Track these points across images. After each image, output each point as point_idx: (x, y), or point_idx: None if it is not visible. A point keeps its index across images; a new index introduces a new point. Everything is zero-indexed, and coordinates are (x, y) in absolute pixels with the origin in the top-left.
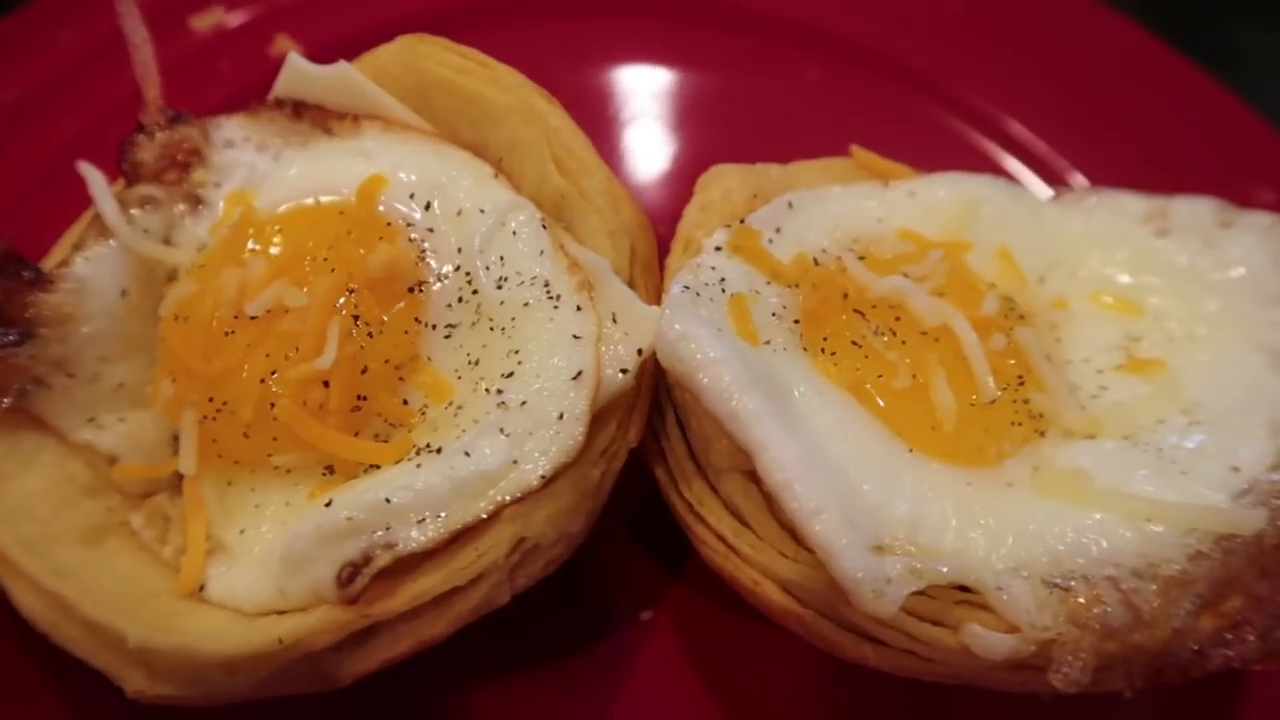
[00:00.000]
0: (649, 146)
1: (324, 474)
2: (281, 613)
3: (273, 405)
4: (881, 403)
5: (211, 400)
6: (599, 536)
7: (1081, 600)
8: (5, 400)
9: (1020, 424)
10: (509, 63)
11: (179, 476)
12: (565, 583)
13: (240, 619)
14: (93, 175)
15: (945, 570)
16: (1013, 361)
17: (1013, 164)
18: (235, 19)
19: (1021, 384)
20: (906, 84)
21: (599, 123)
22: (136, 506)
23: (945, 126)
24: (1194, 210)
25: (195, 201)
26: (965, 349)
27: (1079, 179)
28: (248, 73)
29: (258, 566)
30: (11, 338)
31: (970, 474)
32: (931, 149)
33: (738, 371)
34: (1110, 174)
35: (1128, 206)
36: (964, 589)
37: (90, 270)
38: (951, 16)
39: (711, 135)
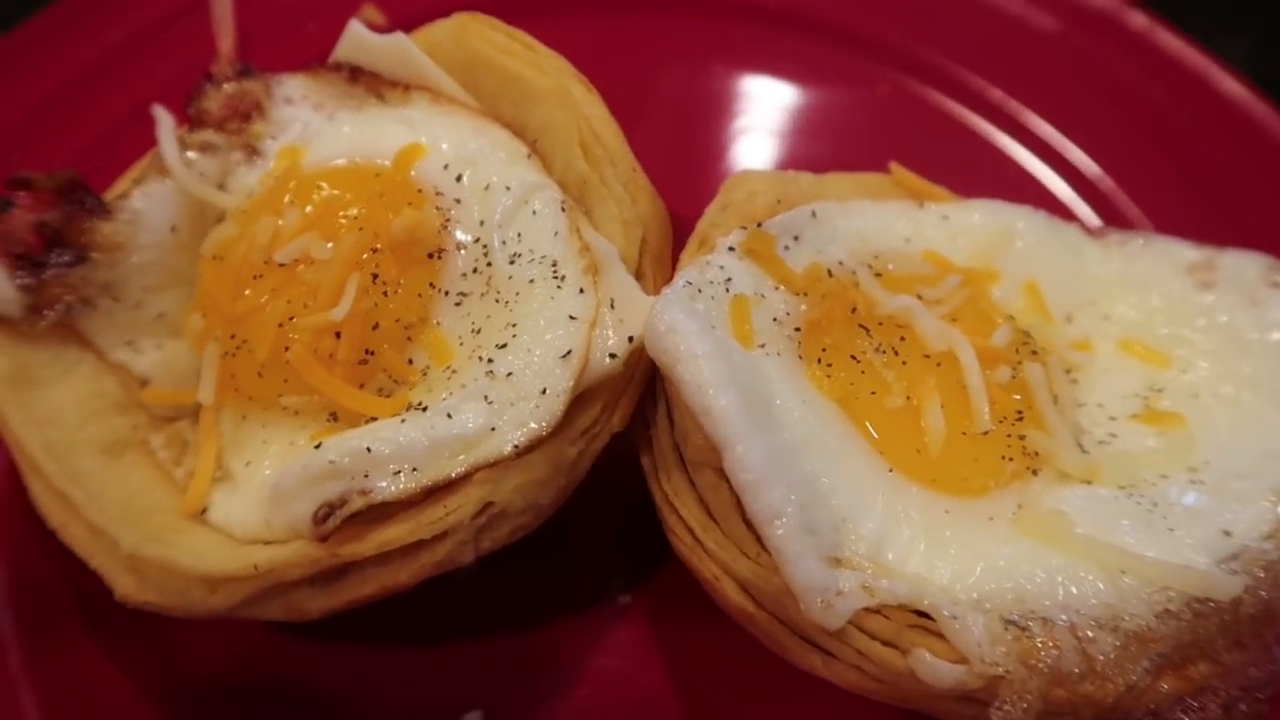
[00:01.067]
0: (696, 145)
1: (329, 420)
2: (266, 543)
3: (287, 349)
4: (870, 421)
5: (233, 337)
6: (590, 518)
7: (1036, 642)
8: (54, 313)
9: (1012, 459)
10: (572, 51)
11: (200, 406)
12: (552, 558)
13: (229, 544)
14: (163, 118)
15: (900, 592)
16: (1017, 396)
17: (1067, 193)
18: None
19: (1020, 419)
20: (971, 104)
21: (649, 115)
22: (159, 428)
23: (1003, 150)
24: (1242, 266)
25: (251, 151)
26: (966, 377)
27: (1135, 213)
28: (333, 37)
29: (253, 498)
30: (66, 258)
31: (950, 502)
32: (985, 173)
33: (718, 369)
34: (1169, 213)
35: (1174, 254)
36: (922, 615)
37: (146, 205)
38: (1027, 43)
39: (763, 139)
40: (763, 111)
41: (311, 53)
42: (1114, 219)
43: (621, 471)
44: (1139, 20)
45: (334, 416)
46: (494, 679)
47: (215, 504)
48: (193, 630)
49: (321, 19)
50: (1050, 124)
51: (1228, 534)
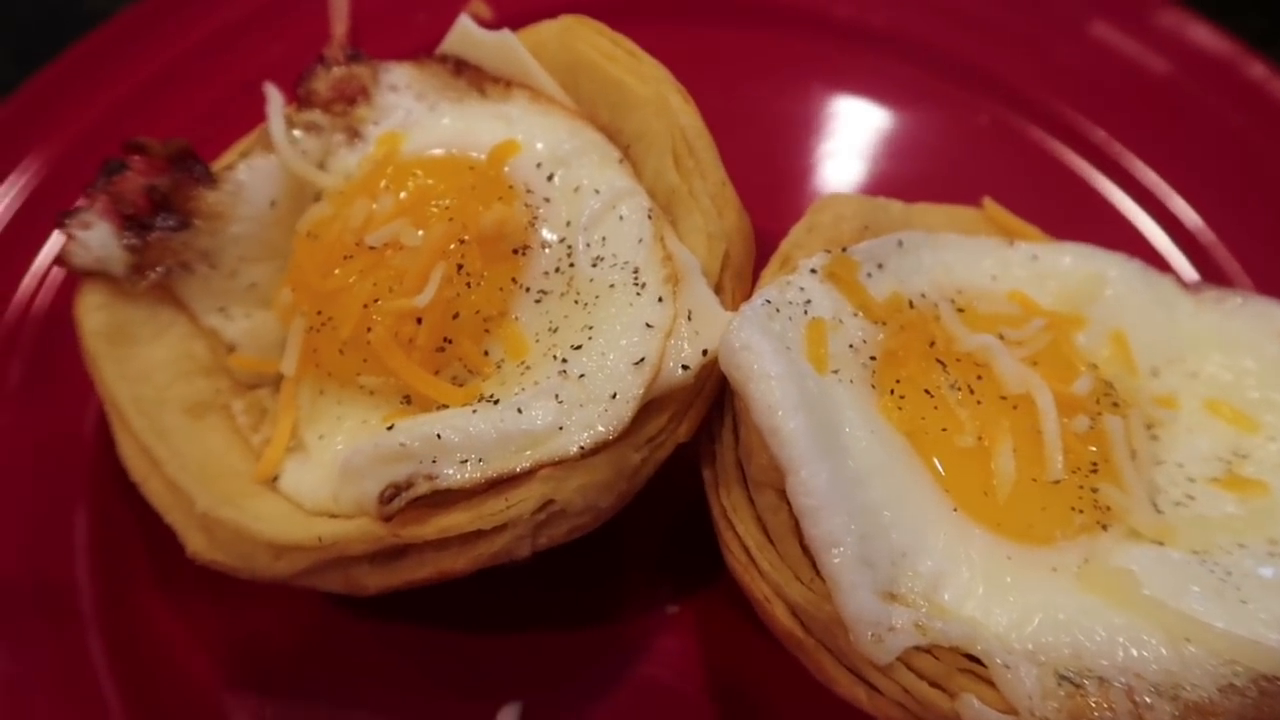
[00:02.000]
0: (786, 162)
1: (402, 403)
2: (333, 516)
3: (369, 330)
4: (938, 458)
5: (320, 313)
6: (645, 525)
7: (1090, 701)
8: (155, 274)
9: (1082, 511)
10: (672, 59)
11: (282, 376)
12: (604, 561)
13: (297, 513)
14: (273, 95)
15: (954, 634)
16: (1093, 448)
17: (1165, 243)
18: None
19: (1095, 472)
20: (1071, 143)
21: (741, 128)
22: (241, 394)
23: (1102, 194)
24: None
25: (353, 134)
26: (1042, 422)
27: (1235, 268)
28: (441, 29)
29: (324, 471)
30: (171, 223)
31: (1013, 548)
32: (1081, 215)
33: (789, 391)
34: (1271, 272)
35: (1273, 316)
36: (973, 659)
37: (249, 178)
38: (1138, 85)
39: (853, 162)
40: (856, 133)
41: (419, 43)
42: (1212, 274)
43: (680, 482)
44: (1258, 70)
45: (407, 400)
46: (536, 674)
47: (287, 473)
48: (254, 595)
49: (432, 10)
50: (1153, 170)
51: None
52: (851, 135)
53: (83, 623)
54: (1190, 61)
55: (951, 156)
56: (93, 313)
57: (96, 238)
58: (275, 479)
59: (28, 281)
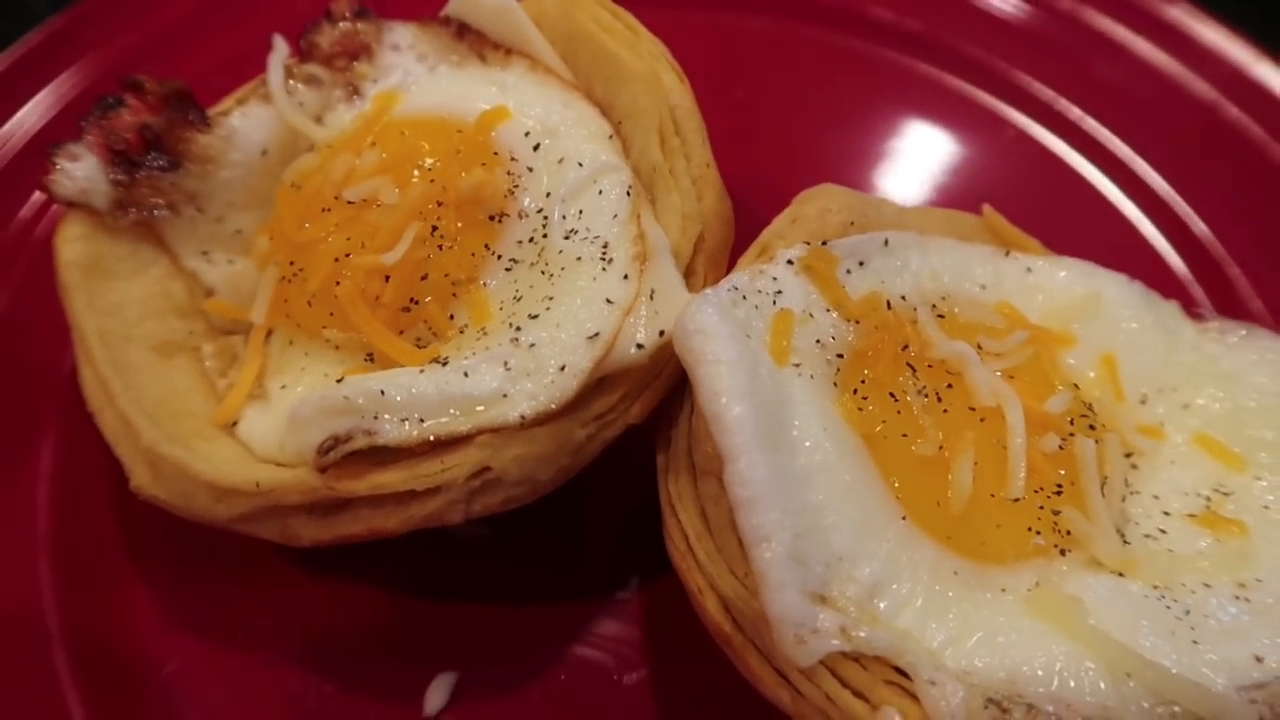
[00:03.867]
0: (786, 154)
1: (365, 360)
2: (279, 465)
3: (338, 283)
4: (894, 464)
5: (292, 264)
6: (605, 511)
7: None
8: (139, 212)
9: (1039, 534)
10: (680, 41)
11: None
12: (561, 544)
13: (244, 459)
14: (279, 46)
15: (879, 643)
16: (1061, 470)
17: (1182, 270)
18: None
19: (1059, 494)
20: (1092, 157)
21: (743, 116)
22: (213, 338)
23: (1119, 210)
24: None
25: (352, 91)
26: (1008, 437)
27: (1258, 306)
28: None
29: (278, 421)
30: (161, 163)
31: (961, 564)
32: (1098, 233)
33: (738, 378)
34: None
35: (1276, 351)
36: (902, 673)
37: (243, 124)
38: (1177, 107)
39: (859, 161)
40: (865, 133)
41: (424, 8)
42: (1232, 306)
43: (642, 468)
44: None
45: (370, 358)
46: (478, 648)
47: (246, 419)
48: (207, 537)
49: None
50: (1180, 194)
51: (1259, 660)
52: (859, 133)
53: (36, 546)
54: (1232, 88)
55: (963, 164)
56: (71, 243)
57: (82, 169)
58: (234, 424)
59: (25, 213)
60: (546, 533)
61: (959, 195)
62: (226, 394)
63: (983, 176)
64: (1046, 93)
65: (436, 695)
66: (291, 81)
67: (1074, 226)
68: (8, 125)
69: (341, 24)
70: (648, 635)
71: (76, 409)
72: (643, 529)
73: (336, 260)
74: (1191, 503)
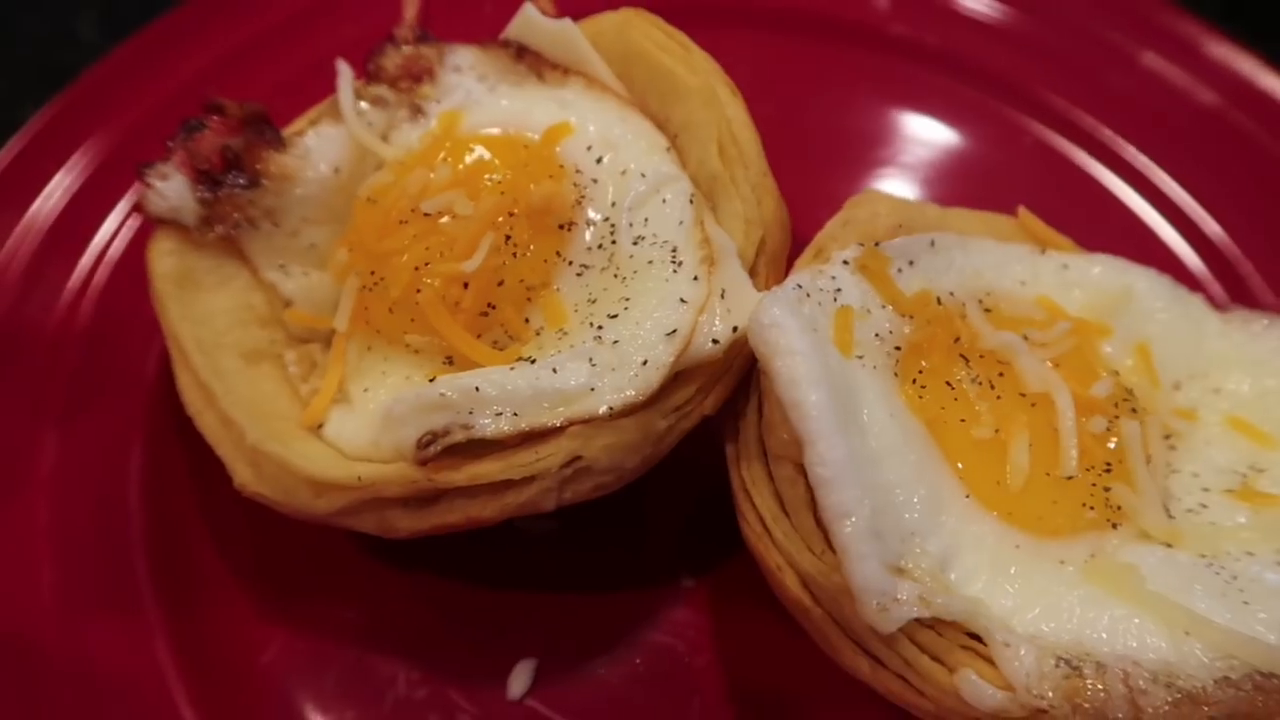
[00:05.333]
0: (827, 163)
1: (444, 363)
2: (371, 462)
3: (418, 291)
4: (955, 447)
5: (373, 274)
6: (667, 499)
7: (1086, 682)
8: (223, 228)
9: (1093, 509)
10: (727, 59)
11: (333, 332)
12: (625, 532)
13: (338, 457)
14: (344, 70)
15: (955, 609)
16: (1110, 446)
17: (1199, 267)
18: None
19: (1108, 471)
20: (1113, 167)
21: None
22: (293, 346)
23: (1138, 214)
24: None
25: (416, 111)
26: (1059, 420)
27: (1271, 300)
28: (503, 19)
29: (366, 420)
30: (242, 181)
31: (1022, 538)
32: (1117, 233)
33: (813, 366)
34: None
35: None
36: (974, 638)
37: (317, 144)
38: (1184, 114)
39: (894, 169)
40: (899, 142)
41: (484, 31)
42: (1246, 300)
43: (704, 461)
44: None
45: (449, 360)
46: (553, 635)
47: (331, 421)
48: (293, 534)
49: (499, 1)
50: (1194, 197)
51: None
52: (894, 144)
53: (131, 547)
54: (1238, 94)
55: (991, 171)
56: (164, 257)
57: (172, 188)
58: (320, 426)
59: (104, 231)
60: (611, 526)
61: (983, 200)
62: (311, 398)
63: (1005, 182)
64: (1061, 102)
65: (519, 680)
66: (360, 103)
67: (1092, 227)
68: (91, 143)
69: (405, 48)
70: (714, 619)
71: (162, 415)
72: (702, 519)
73: (416, 269)
74: (1228, 479)
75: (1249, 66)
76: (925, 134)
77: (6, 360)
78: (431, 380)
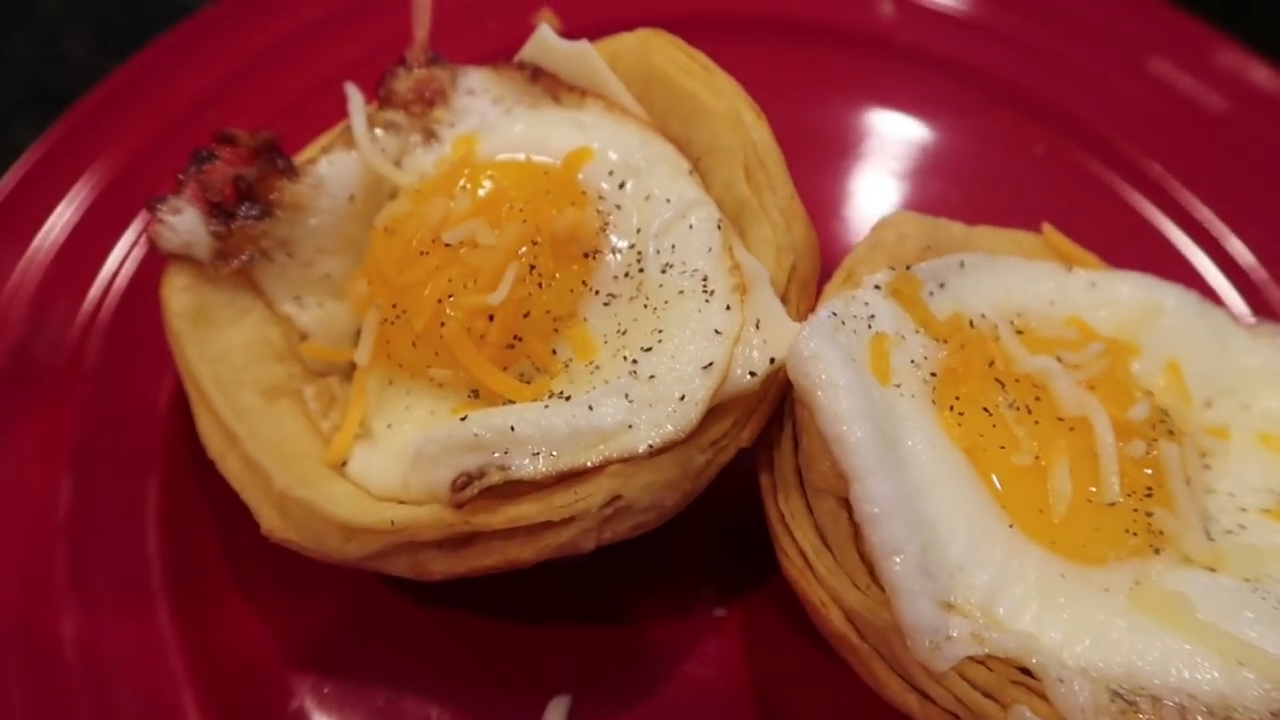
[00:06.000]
0: (844, 179)
1: (470, 396)
2: (401, 502)
3: (442, 324)
4: (996, 475)
5: (394, 307)
6: (695, 530)
7: (1142, 717)
8: (238, 261)
9: (1135, 534)
10: (742, 75)
11: (352, 365)
12: (655, 562)
13: (365, 498)
14: (354, 94)
15: (1009, 646)
16: (1148, 472)
17: (1218, 279)
18: None
19: (1149, 496)
20: (1127, 177)
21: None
22: (311, 380)
23: (1156, 228)
24: None
25: (429, 135)
26: (1098, 445)
27: None
28: (508, 36)
29: (393, 458)
30: (254, 212)
31: (1067, 566)
32: (1135, 248)
33: (856, 400)
34: None
35: None
36: (1024, 671)
37: (330, 172)
38: (1194, 121)
39: (913, 183)
40: (913, 155)
41: (490, 49)
42: (1265, 312)
43: (730, 488)
44: None
45: (475, 394)
46: (584, 668)
47: (355, 458)
48: (317, 574)
49: (503, 17)
50: (1208, 206)
51: None
52: (908, 157)
53: (152, 592)
54: (1246, 100)
55: (1006, 182)
56: (178, 294)
57: (185, 222)
58: (343, 464)
59: (110, 261)
60: (640, 556)
61: (1004, 214)
62: (332, 435)
63: (1023, 195)
64: (1075, 112)
65: (554, 717)
66: (374, 129)
67: (1114, 241)
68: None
69: (417, 71)
70: (747, 648)
71: (178, 453)
72: (730, 547)
73: (440, 301)
74: (1264, 498)
75: (1260, 74)
76: (937, 146)
77: (16, 397)
78: (463, 419)
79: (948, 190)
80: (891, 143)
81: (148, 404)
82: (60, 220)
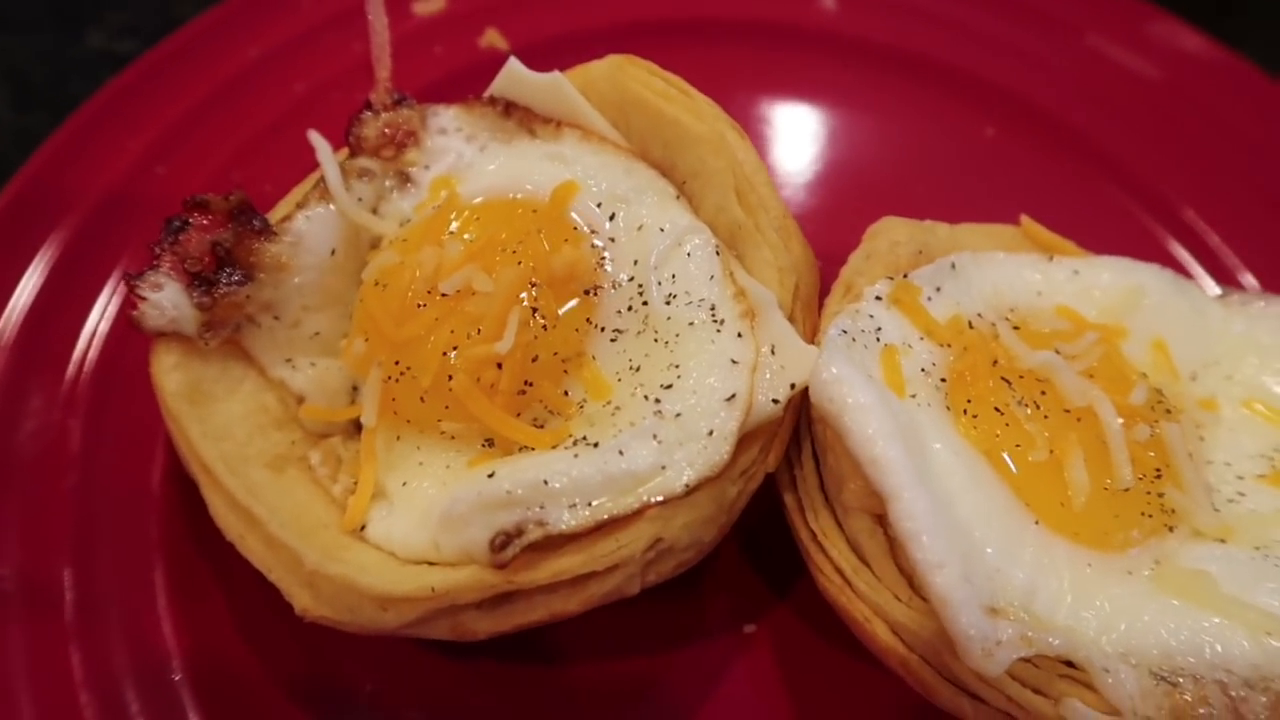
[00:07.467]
0: (815, 184)
1: (483, 445)
2: (431, 564)
3: (450, 377)
4: (1014, 473)
5: (397, 364)
6: (719, 549)
7: (1188, 698)
8: (225, 330)
9: (1151, 516)
10: (694, 82)
11: (352, 423)
12: (678, 584)
13: (393, 562)
14: (321, 144)
15: (1056, 643)
16: (1153, 454)
17: (1181, 253)
18: (453, 9)
19: (1159, 477)
20: (1081, 154)
21: (768, 154)
22: (314, 444)
23: (1115, 203)
24: None
25: (404, 179)
26: (1107, 434)
27: (1249, 280)
28: (456, 60)
29: (417, 518)
30: (236, 277)
31: (1091, 555)
32: (1098, 224)
33: (883, 420)
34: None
35: None
36: (1068, 664)
37: (308, 228)
38: (1140, 94)
39: (878, 182)
40: (871, 150)
41: (438, 75)
42: (1225, 278)
43: (748, 505)
44: (1246, 73)
45: (489, 443)
46: (622, 698)
47: (373, 521)
48: (341, 638)
49: (449, 43)
50: (1153, 173)
51: None
52: (863, 152)
53: (176, 688)
54: (1181, 67)
55: (964, 169)
56: (169, 374)
57: (168, 297)
58: (361, 528)
59: (80, 341)
60: (665, 581)
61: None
62: (344, 499)
63: (981, 180)
64: (1018, 92)
65: None
66: (350, 180)
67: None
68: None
69: (384, 114)
70: (780, 663)
71: (177, 531)
72: (753, 563)
73: (444, 354)
74: (1259, 464)
75: (1194, 43)
76: (878, 138)
77: (3, 490)
78: (491, 475)
79: (911, 184)
80: (841, 139)
81: (140, 483)
82: (19, 302)
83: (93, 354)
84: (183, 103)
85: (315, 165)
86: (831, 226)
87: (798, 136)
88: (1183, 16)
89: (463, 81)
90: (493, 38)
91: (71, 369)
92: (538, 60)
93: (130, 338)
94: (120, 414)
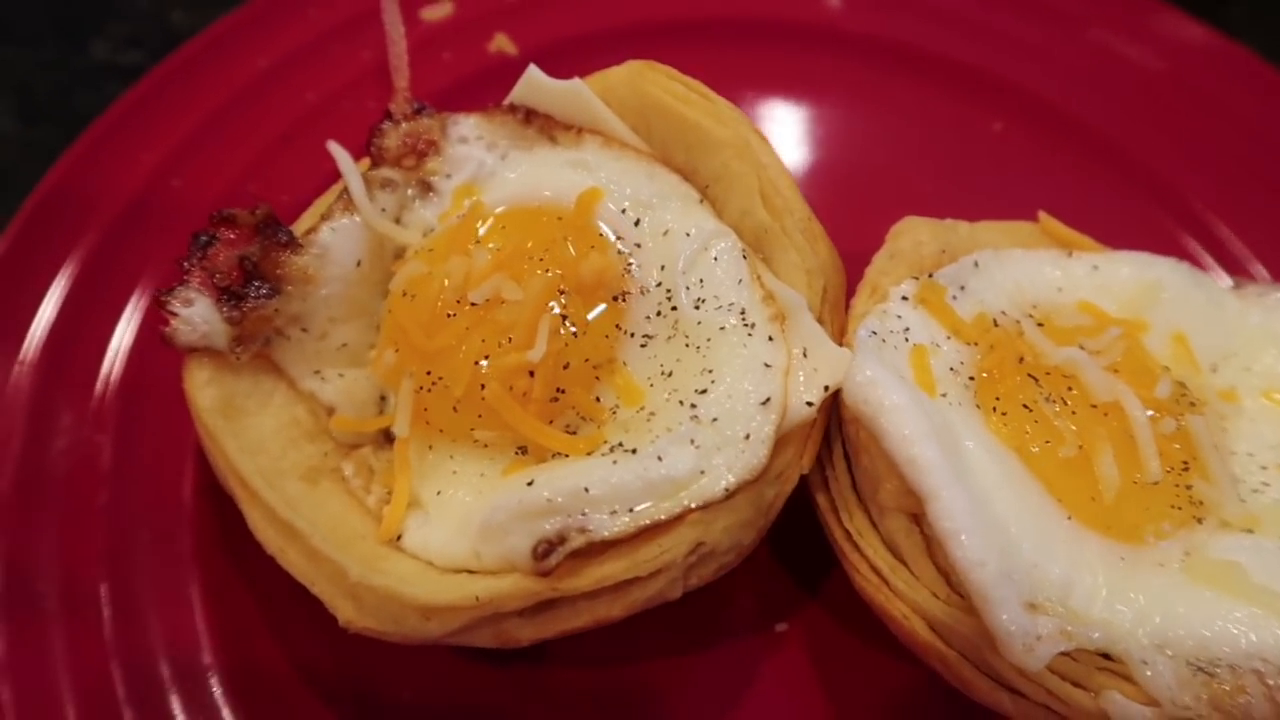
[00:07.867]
0: (828, 184)
1: (517, 453)
2: (471, 572)
3: (483, 387)
4: (1046, 469)
5: (429, 374)
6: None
7: (1226, 687)
8: (256, 344)
9: (1180, 508)
10: (702, 82)
11: (383, 433)
12: (710, 594)
13: (432, 571)
14: (342, 155)
15: (1095, 636)
16: (1179, 446)
17: (1191, 244)
18: (461, 14)
19: (1186, 469)
20: (1088, 147)
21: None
22: (346, 455)
23: (1123, 195)
24: None
25: (426, 188)
26: (1134, 428)
27: (1260, 270)
28: (466, 66)
29: (454, 527)
30: (264, 291)
31: (1124, 549)
32: (1108, 217)
33: (919, 420)
34: None
35: None
36: (1106, 657)
37: (333, 240)
38: (1145, 85)
39: (890, 179)
40: (881, 148)
41: (448, 81)
42: (1238, 271)
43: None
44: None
45: (522, 450)
46: (661, 698)
47: (409, 531)
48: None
49: (458, 49)
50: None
51: None
52: (874, 150)
53: (216, 708)
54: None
55: (978, 166)
56: (203, 389)
57: (199, 313)
58: (398, 539)
59: (107, 357)
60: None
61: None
62: (378, 509)
63: (994, 175)
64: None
65: None
66: (374, 191)
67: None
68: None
69: (404, 124)
70: (813, 661)
71: (211, 544)
72: (781, 560)
73: (476, 363)
74: (1279, 455)
75: (1196, 33)
76: (917, 136)
77: (35, 510)
78: (530, 483)
79: (922, 181)
80: (849, 137)
81: (171, 497)
82: (44, 318)
83: (118, 369)
84: (194, 115)
85: (331, 174)
86: (848, 226)
87: (805, 135)
88: (1183, 9)
89: (473, 87)
90: (502, 42)
91: (99, 385)
92: (547, 63)
93: (154, 352)
94: (149, 428)
